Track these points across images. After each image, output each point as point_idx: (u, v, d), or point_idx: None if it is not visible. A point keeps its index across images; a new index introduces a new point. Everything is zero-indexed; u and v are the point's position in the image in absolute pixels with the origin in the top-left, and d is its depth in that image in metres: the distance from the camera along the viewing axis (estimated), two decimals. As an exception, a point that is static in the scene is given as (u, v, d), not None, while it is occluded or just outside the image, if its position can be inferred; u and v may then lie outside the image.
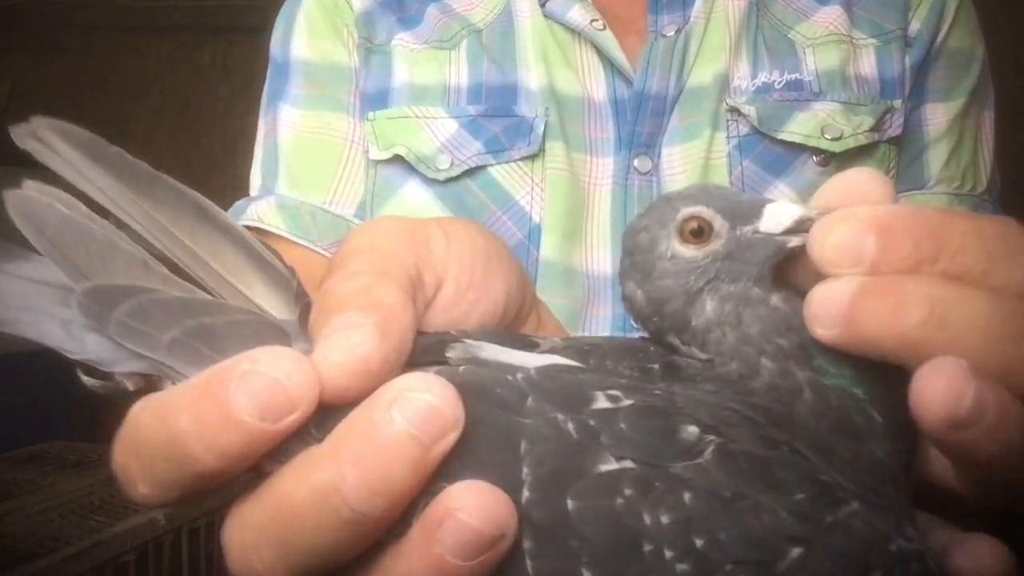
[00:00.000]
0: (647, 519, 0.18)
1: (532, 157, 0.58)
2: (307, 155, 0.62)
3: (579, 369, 0.22)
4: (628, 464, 0.19)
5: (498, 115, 0.59)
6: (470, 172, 0.58)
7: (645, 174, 0.58)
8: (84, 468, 1.40)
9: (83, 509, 1.18)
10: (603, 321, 0.57)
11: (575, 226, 0.58)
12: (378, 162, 0.60)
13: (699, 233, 0.23)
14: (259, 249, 0.22)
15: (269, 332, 0.21)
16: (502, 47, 0.61)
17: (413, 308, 0.22)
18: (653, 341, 0.25)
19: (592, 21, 0.60)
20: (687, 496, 0.19)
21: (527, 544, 0.19)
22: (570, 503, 0.19)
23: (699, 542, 0.18)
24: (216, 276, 0.22)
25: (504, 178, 0.58)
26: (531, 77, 0.60)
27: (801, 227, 0.22)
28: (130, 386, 0.22)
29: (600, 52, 0.60)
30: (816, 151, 0.57)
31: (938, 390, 0.18)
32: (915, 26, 0.61)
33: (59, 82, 2.41)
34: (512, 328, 0.27)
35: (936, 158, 0.62)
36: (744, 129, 0.58)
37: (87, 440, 1.73)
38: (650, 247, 0.24)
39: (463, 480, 0.19)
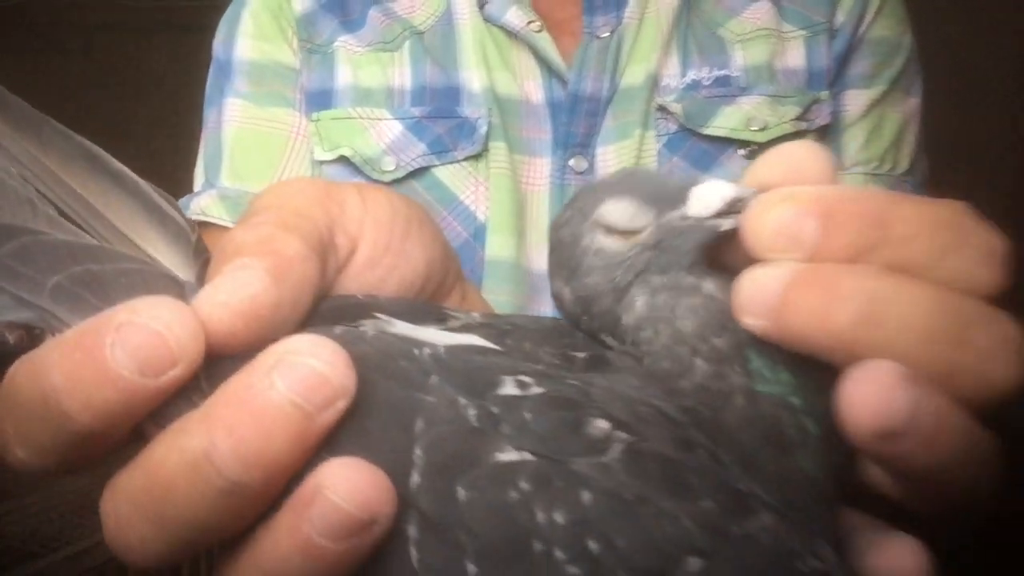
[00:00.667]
0: (540, 517, 0.17)
1: (476, 157, 0.59)
2: (250, 146, 0.63)
3: (492, 351, 0.21)
4: (527, 456, 0.18)
5: (442, 116, 0.60)
6: (415, 173, 0.59)
7: (581, 173, 0.59)
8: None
9: (83, 509, 1.18)
10: (544, 314, 0.58)
11: (519, 224, 0.59)
12: (323, 162, 0.61)
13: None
14: (157, 200, 0.21)
15: (161, 283, 0.19)
16: (444, 49, 0.62)
17: (317, 263, 0.21)
18: (579, 335, 0.24)
19: (529, 23, 0.61)
20: (585, 495, 0.17)
21: (412, 532, 0.17)
22: (461, 492, 0.17)
23: (593, 546, 0.17)
24: (108, 225, 0.20)
25: (449, 178, 0.60)
26: (473, 79, 0.61)
27: (733, 208, 0.21)
28: (11, 339, 0.20)
29: (537, 54, 0.61)
30: (742, 143, 0.58)
31: (866, 398, 0.17)
32: (839, 17, 0.63)
33: (59, 82, 2.41)
34: (433, 301, 0.26)
35: (853, 140, 0.64)
36: (672, 126, 0.59)
37: None
38: (574, 242, 0.22)
39: (347, 456, 0.17)
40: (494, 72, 0.61)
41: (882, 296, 0.18)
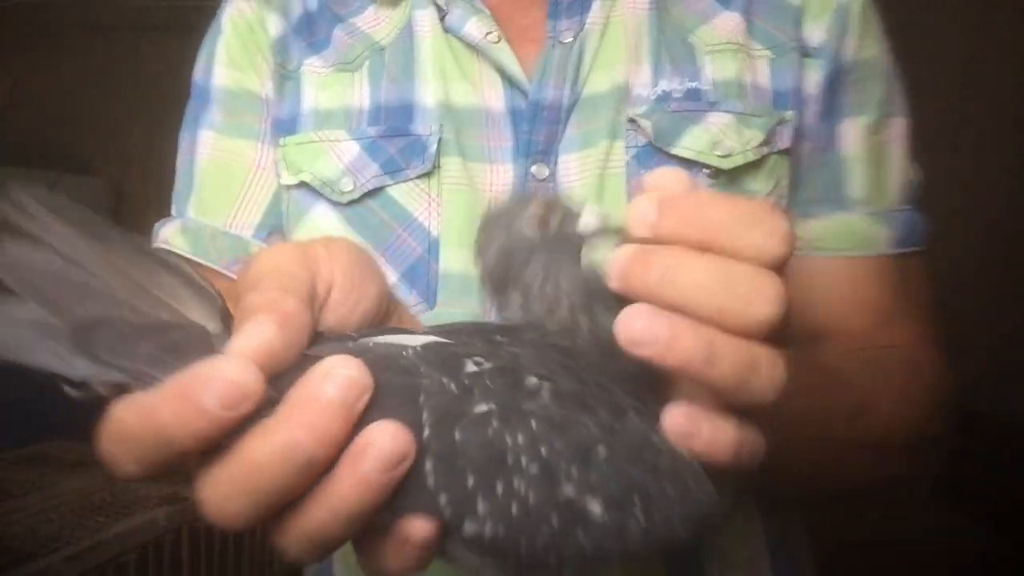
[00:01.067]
0: (508, 440, 0.28)
1: (427, 175, 0.59)
2: (215, 180, 0.67)
3: (449, 345, 0.31)
4: (493, 407, 0.28)
5: (395, 135, 0.60)
6: (370, 194, 0.60)
7: (543, 180, 0.59)
8: (84, 468, 1.40)
9: (83, 509, 1.18)
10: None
11: (471, 235, 0.57)
12: (289, 187, 0.62)
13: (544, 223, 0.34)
14: (193, 276, 0.30)
15: (210, 343, 0.28)
16: (403, 64, 0.62)
17: (309, 312, 0.30)
18: (492, 324, 0.36)
19: (487, 35, 0.60)
20: (533, 423, 0.28)
21: (428, 466, 0.27)
22: (457, 435, 0.28)
23: (543, 450, 0.28)
24: (159, 300, 0.29)
25: (402, 197, 0.60)
26: (428, 93, 0.61)
27: (603, 225, 0.34)
28: (104, 392, 0.28)
29: (495, 65, 0.61)
30: (706, 167, 0.57)
31: (622, 322, 0.27)
32: (816, 38, 0.61)
33: (59, 82, 2.42)
34: (384, 324, 0.36)
35: (855, 178, 0.62)
36: (642, 140, 0.58)
37: (87, 440, 1.73)
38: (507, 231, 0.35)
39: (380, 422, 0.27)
40: (452, 84, 0.61)
41: (673, 266, 0.27)
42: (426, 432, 0.27)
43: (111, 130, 2.43)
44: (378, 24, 0.65)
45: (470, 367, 0.29)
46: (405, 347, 0.30)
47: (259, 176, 0.65)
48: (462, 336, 0.33)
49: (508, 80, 0.60)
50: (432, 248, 0.59)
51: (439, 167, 0.60)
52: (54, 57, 2.41)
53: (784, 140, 0.59)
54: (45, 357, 0.27)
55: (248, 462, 0.26)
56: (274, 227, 0.64)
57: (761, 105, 0.59)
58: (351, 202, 0.60)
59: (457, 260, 0.58)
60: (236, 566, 1.36)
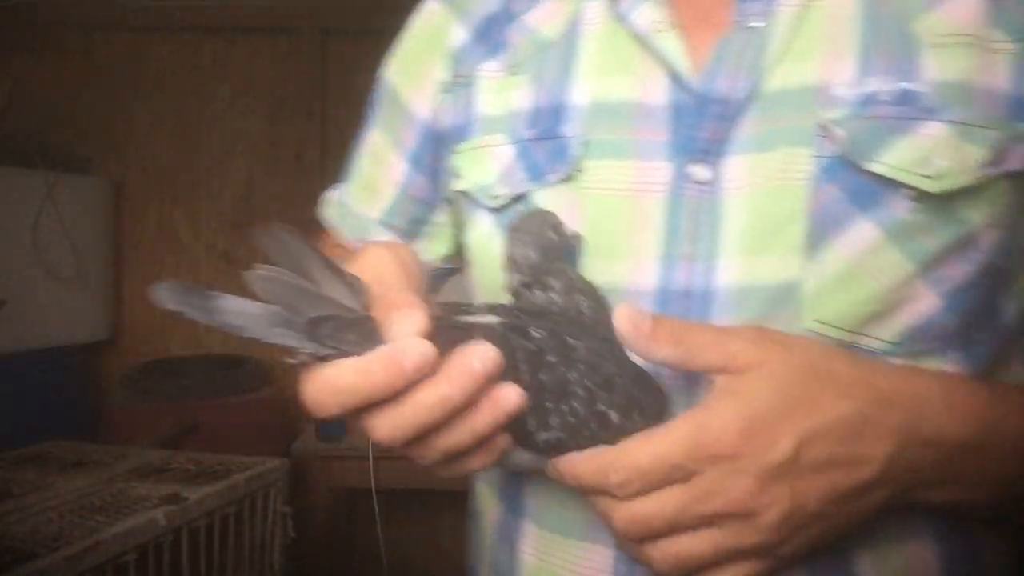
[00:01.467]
0: (569, 377, 0.43)
1: (568, 179, 0.57)
2: (361, 169, 0.74)
3: (517, 320, 0.44)
4: (556, 358, 0.43)
5: (546, 138, 0.58)
6: (517, 199, 0.59)
7: (702, 184, 0.52)
8: (84, 468, 1.40)
9: (83, 509, 1.18)
10: None
11: (617, 243, 0.54)
12: (456, 192, 0.64)
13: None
14: (354, 281, 0.42)
15: (379, 332, 0.41)
16: (563, 61, 0.59)
17: (422, 300, 0.42)
18: (514, 307, 0.49)
19: (655, 22, 0.55)
20: (580, 366, 0.43)
21: (525, 376, 0.42)
22: (542, 377, 0.42)
23: (587, 383, 0.43)
24: (335, 301, 0.42)
25: (545, 202, 0.57)
26: (582, 92, 0.58)
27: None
28: (309, 361, 0.41)
29: (658, 55, 0.55)
30: (909, 188, 0.47)
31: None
32: None
33: (59, 82, 2.42)
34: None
35: None
36: (833, 150, 0.49)
37: (87, 440, 1.73)
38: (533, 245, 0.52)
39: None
40: (610, 78, 0.57)
41: None
42: (522, 368, 0.42)
43: (111, 130, 2.44)
44: (548, 19, 0.62)
45: (534, 333, 0.43)
46: (493, 322, 0.44)
47: (387, 182, 0.71)
48: (512, 313, 0.45)
49: (673, 72, 0.54)
50: (573, 257, 0.56)
51: (582, 171, 0.56)
52: (54, 57, 2.41)
53: (1015, 160, 0.47)
54: (282, 337, 0.40)
55: (417, 406, 0.39)
56: (394, 225, 0.71)
57: (993, 114, 0.47)
58: (501, 207, 0.59)
59: (598, 271, 0.55)
60: (236, 566, 1.36)
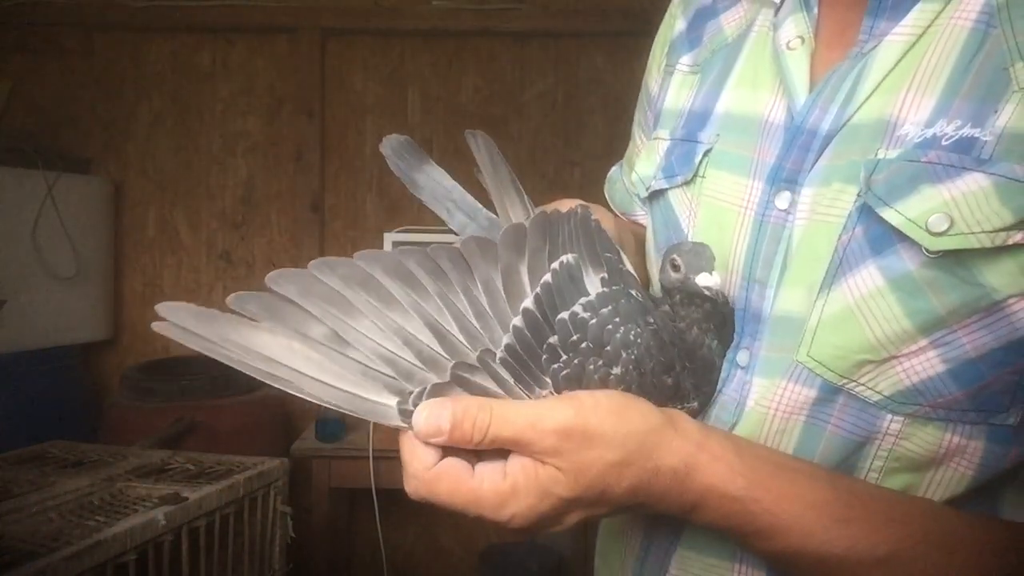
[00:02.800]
0: (659, 334, 0.48)
1: (689, 183, 0.59)
2: (630, 149, 0.77)
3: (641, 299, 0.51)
4: (653, 324, 0.48)
5: (687, 140, 0.61)
6: (657, 193, 0.63)
7: (784, 211, 0.52)
8: (84, 468, 1.40)
9: (83, 509, 1.18)
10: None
11: (718, 253, 0.54)
12: (632, 179, 0.69)
13: (676, 268, 0.52)
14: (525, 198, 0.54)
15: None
16: (725, 66, 0.61)
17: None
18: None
19: (790, 40, 0.54)
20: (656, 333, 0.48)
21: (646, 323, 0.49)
22: (643, 329, 0.48)
23: (653, 342, 0.48)
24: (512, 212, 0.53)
25: (675, 200, 0.61)
26: (726, 100, 0.59)
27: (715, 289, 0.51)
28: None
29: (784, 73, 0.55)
30: (913, 241, 0.45)
31: None
32: None
33: (59, 82, 2.42)
34: None
35: None
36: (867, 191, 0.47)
37: (87, 440, 1.73)
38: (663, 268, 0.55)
39: None
40: (750, 90, 0.57)
41: None
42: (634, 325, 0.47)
43: (111, 130, 2.44)
44: (735, 20, 0.62)
45: (651, 316, 0.49)
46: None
47: (637, 153, 0.72)
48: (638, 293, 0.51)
49: (790, 94, 0.54)
50: None
51: (703, 177, 0.58)
52: (54, 57, 2.41)
53: None
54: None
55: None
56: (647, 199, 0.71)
57: None
58: (646, 199, 0.66)
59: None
60: (236, 566, 1.36)
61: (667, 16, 0.71)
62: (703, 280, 0.49)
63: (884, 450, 0.48)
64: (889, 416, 0.47)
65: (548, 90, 2.43)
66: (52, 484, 1.28)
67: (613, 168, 0.80)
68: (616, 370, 0.45)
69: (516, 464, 0.43)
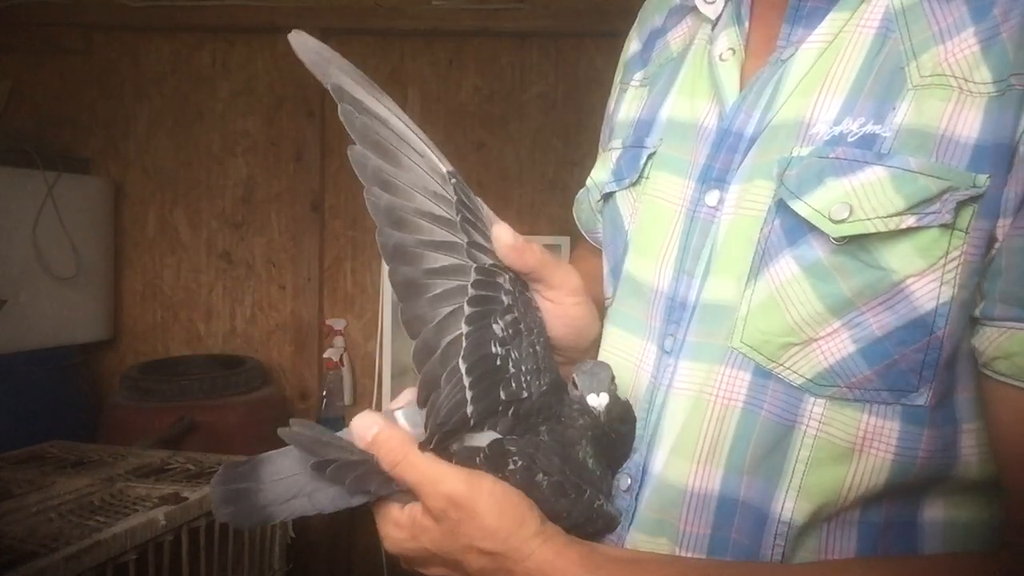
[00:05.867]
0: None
1: (634, 184, 0.65)
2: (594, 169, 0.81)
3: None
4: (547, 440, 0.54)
5: (634, 146, 0.66)
6: (607, 196, 0.69)
7: (711, 207, 0.57)
8: (84, 468, 1.40)
9: (83, 509, 1.18)
10: (655, 332, 0.60)
11: (654, 246, 0.61)
12: (588, 186, 0.74)
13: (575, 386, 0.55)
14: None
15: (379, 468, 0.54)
16: (669, 78, 0.66)
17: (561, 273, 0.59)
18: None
19: (722, 52, 0.60)
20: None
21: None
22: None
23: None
24: None
25: (620, 202, 0.67)
26: (669, 107, 0.64)
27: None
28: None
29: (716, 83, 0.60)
30: (819, 230, 0.49)
31: None
32: None
33: (59, 82, 2.42)
34: None
35: None
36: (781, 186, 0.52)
37: (87, 440, 1.73)
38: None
39: None
40: (689, 99, 0.62)
41: None
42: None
43: (111, 130, 2.43)
44: (680, 36, 0.68)
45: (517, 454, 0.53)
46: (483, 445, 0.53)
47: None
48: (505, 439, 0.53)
49: (720, 101, 0.59)
50: (625, 251, 0.65)
51: (647, 178, 0.64)
52: (54, 57, 2.41)
53: (945, 213, 0.45)
54: (335, 501, 0.52)
55: None
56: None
57: (945, 163, 0.46)
58: (600, 201, 0.70)
59: (635, 265, 0.63)
60: (236, 566, 1.36)
61: (626, 41, 0.78)
62: (591, 400, 0.54)
63: (810, 437, 0.51)
64: (812, 399, 0.50)
65: (548, 90, 2.43)
66: (52, 484, 1.28)
67: (580, 191, 0.86)
68: (512, 467, 0.51)
69: (414, 504, 0.52)
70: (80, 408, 2.15)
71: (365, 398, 2.36)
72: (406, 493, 0.52)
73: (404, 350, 2.18)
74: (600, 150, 0.79)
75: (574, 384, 0.55)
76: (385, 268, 2.12)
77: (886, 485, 0.50)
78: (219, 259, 2.46)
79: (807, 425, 0.51)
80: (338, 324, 2.41)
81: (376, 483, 0.51)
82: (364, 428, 0.51)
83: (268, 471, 0.51)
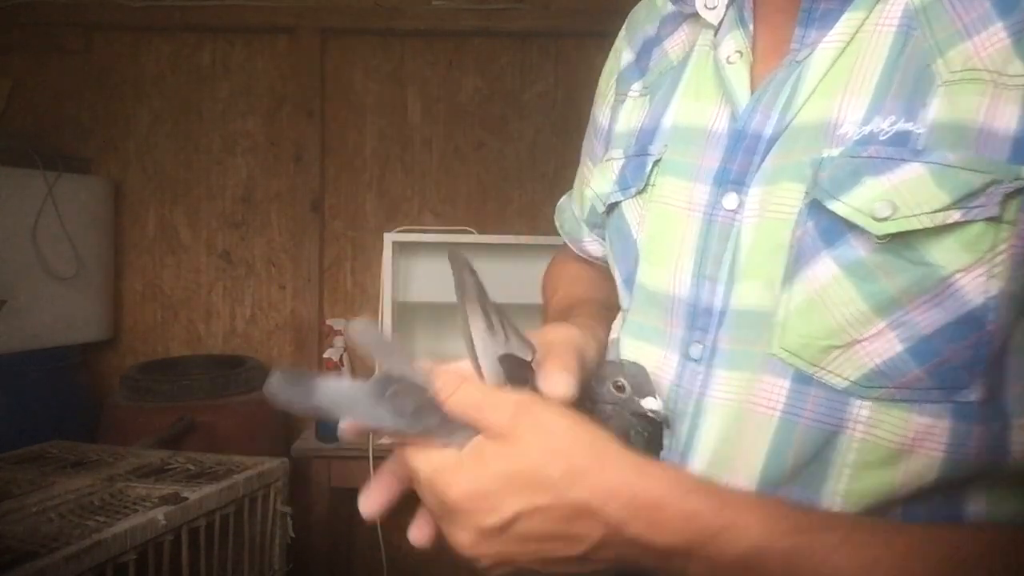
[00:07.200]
0: None
1: (641, 192, 0.64)
2: (577, 178, 0.83)
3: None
4: None
5: (639, 155, 0.65)
6: (612, 207, 0.67)
7: (730, 211, 0.56)
8: (84, 468, 1.40)
9: (83, 509, 1.18)
10: (676, 340, 0.58)
11: (666, 253, 0.60)
12: (588, 197, 0.73)
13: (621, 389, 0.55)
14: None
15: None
16: (671, 84, 0.65)
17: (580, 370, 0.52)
18: None
19: (729, 55, 0.59)
20: None
21: None
22: None
23: None
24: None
25: (627, 212, 0.65)
26: (672, 114, 0.63)
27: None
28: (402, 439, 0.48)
29: (725, 86, 0.59)
30: (861, 229, 0.48)
31: None
32: None
33: (59, 82, 2.41)
34: None
35: None
36: (814, 187, 0.51)
37: (87, 440, 1.73)
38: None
39: None
40: (695, 103, 0.62)
41: None
42: None
43: (111, 130, 2.43)
44: (678, 44, 0.67)
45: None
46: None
47: (586, 186, 0.75)
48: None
49: (732, 103, 0.58)
50: (636, 260, 0.64)
51: (653, 185, 0.62)
52: (54, 57, 2.41)
53: (992, 206, 0.45)
54: (380, 419, 0.46)
55: None
56: (596, 224, 0.77)
57: (984, 157, 0.45)
58: (604, 212, 0.69)
59: (647, 274, 0.62)
60: (236, 566, 1.36)
61: (612, 52, 0.77)
62: (650, 403, 0.53)
63: (856, 440, 0.49)
64: (858, 402, 0.49)
65: (548, 90, 2.43)
66: (52, 484, 1.28)
67: (563, 198, 0.86)
68: None
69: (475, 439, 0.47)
70: (80, 408, 2.15)
71: (365, 398, 2.36)
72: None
73: (404, 350, 2.18)
74: (588, 162, 0.78)
75: (617, 386, 0.54)
76: (385, 268, 2.13)
77: (934, 483, 0.49)
78: (219, 259, 2.47)
79: (853, 429, 0.49)
80: (338, 324, 2.41)
81: (435, 417, 0.46)
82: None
83: (327, 382, 0.47)
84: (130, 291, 2.45)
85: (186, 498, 1.23)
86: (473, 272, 0.47)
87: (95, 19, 2.37)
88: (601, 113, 0.76)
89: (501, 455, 0.45)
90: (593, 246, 0.81)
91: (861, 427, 0.49)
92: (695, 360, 0.56)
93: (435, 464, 0.46)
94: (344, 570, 2.34)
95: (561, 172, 2.40)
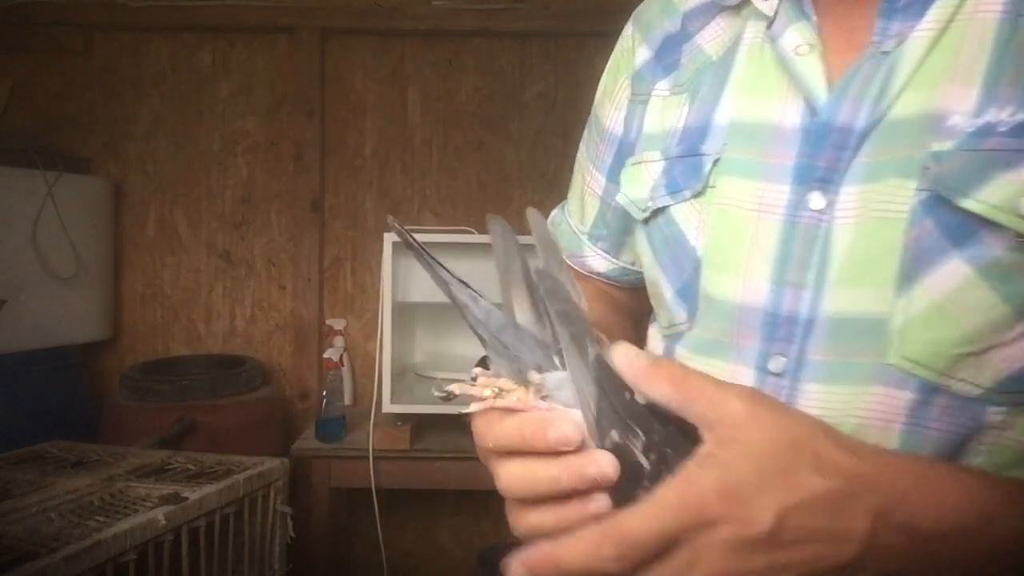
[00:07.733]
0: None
1: (698, 195, 0.59)
2: (574, 188, 0.79)
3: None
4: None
5: (688, 155, 0.61)
6: (657, 212, 0.62)
7: (816, 212, 0.51)
8: (84, 468, 1.40)
9: (83, 509, 1.18)
10: (749, 353, 0.54)
11: (734, 259, 0.55)
12: (618, 203, 0.68)
13: None
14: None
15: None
16: (717, 80, 0.61)
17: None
18: None
19: (798, 47, 0.55)
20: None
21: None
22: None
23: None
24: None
25: (679, 216, 0.60)
26: (726, 111, 0.59)
27: None
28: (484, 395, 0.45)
29: (796, 79, 0.55)
30: (1003, 227, 0.44)
31: None
32: None
33: (59, 82, 2.42)
34: None
35: None
36: (932, 183, 0.47)
37: (87, 440, 1.73)
38: None
39: None
40: (753, 99, 0.58)
41: None
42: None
43: (111, 130, 2.43)
44: (715, 39, 0.63)
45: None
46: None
47: (590, 195, 0.74)
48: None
49: (808, 97, 0.54)
50: (697, 268, 0.58)
51: (713, 187, 0.58)
52: (54, 57, 2.41)
53: None
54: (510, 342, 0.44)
55: (535, 470, 0.42)
56: (602, 236, 0.74)
57: None
58: (646, 220, 0.63)
59: (715, 283, 0.57)
60: (236, 566, 1.36)
61: (620, 51, 0.72)
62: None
63: (986, 445, 0.47)
64: (992, 408, 0.47)
65: (548, 90, 2.43)
66: (52, 484, 1.28)
67: (554, 211, 0.82)
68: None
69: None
70: (80, 408, 2.15)
71: (365, 398, 2.36)
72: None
73: (404, 350, 2.18)
74: (592, 169, 0.73)
75: None
76: (385, 268, 2.12)
77: None
78: (219, 259, 2.47)
79: (983, 434, 0.47)
80: (338, 324, 2.41)
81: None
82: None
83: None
84: (130, 291, 2.45)
85: (186, 498, 1.23)
86: (517, 244, 0.44)
87: (95, 19, 2.37)
88: (608, 116, 0.71)
89: (741, 452, 0.39)
90: (597, 261, 0.76)
91: (993, 432, 0.47)
92: (776, 374, 0.52)
93: (681, 491, 0.39)
94: (344, 570, 2.34)
95: (561, 172, 2.40)
